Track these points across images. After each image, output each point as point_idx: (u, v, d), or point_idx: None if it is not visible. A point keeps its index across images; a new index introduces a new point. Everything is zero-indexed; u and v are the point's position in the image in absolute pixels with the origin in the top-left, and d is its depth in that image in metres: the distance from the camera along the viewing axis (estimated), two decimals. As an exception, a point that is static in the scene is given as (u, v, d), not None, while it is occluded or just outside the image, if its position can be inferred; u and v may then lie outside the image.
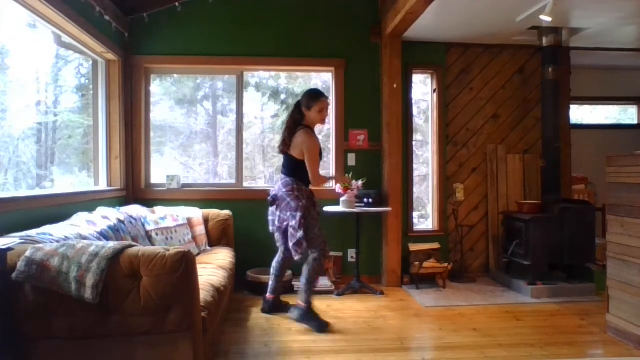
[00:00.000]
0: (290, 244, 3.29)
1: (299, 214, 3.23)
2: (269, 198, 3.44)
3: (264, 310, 3.63)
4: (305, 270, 3.33)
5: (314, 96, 3.37)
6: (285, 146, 3.38)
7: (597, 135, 5.87)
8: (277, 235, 3.51)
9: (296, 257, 3.32)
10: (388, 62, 4.44)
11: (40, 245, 2.09)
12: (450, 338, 3.10)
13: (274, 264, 3.66)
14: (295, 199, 3.27)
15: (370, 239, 4.58)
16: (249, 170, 4.93)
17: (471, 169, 4.85)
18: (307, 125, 3.39)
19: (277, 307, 3.61)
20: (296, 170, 3.36)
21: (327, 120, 3.51)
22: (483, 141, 4.86)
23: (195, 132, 5.08)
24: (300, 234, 3.22)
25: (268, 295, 3.64)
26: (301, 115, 3.39)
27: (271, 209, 3.47)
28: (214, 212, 4.16)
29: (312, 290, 3.33)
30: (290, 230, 3.27)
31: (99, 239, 2.61)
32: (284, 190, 3.32)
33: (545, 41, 4.33)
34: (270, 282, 3.65)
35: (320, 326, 3.24)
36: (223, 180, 4.88)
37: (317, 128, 3.56)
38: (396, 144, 4.43)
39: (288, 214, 3.29)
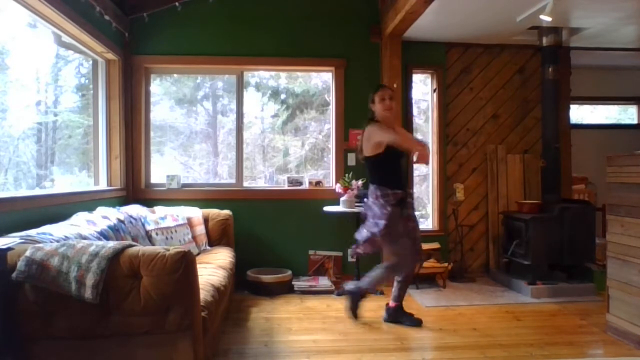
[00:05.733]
0: (360, 239, 3.28)
1: (383, 222, 3.12)
2: (362, 214, 3.41)
3: (385, 320, 3.42)
4: (375, 271, 3.33)
5: (375, 89, 3.37)
6: (360, 151, 3.32)
7: (597, 135, 5.87)
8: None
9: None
10: (388, 62, 4.44)
11: (40, 245, 2.09)
12: (450, 338, 3.10)
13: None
14: (381, 207, 3.16)
15: (370, 239, 4.57)
16: (249, 170, 4.93)
17: (471, 169, 4.85)
18: (378, 121, 3.32)
19: (398, 315, 3.39)
20: (375, 172, 3.27)
21: (389, 108, 3.29)
22: (483, 141, 4.86)
23: (195, 132, 5.08)
24: (375, 233, 3.16)
25: (390, 303, 3.43)
26: (371, 113, 3.37)
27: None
28: (214, 212, 4.16)
29: (369, 287, 3.36)
30: (367, 232, 3.23)
31: (99, 239, 2.61)
32: (370, 199, 3.26)
33: (545, 41, 4.33)
34: (393, 289, 3.43)
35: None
36: (223, 180, 4.88)
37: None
38: (396, 144, 4.42)
39: (372, 220, 3.19)
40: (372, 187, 3.27)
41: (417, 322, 3.33)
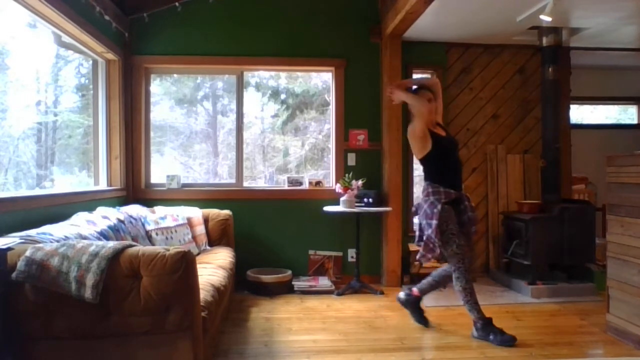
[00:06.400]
0: (421, 249, 3.13)
1: (434, 222, 3.01)
2: (413, 208, 3.34)
3: (399, 299, 3.40)
4: (456, 291, 3.11)
5: (413, 91, 3.30)
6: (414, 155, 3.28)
7: (597, 135, 5.87)
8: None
9: (423, 262, 3.21)
10: (388, 62, 4.44)
11: (40, 245, 2.09)
12: (450, 338, 3.10)
13: (439, 269, 3.36)
14: (430, 205, 3.06)
15: (370, 239, 4.57)
16: (249, 170, 4.93)
17: (471, 169, 4.85)
18: None
19: (412, 306, 3.35)
20: (429, 169, 3.19)
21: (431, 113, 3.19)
22: (483, 141, 4.86)
23: (195, 132, 5.08)
24: (435, 241, 3.02)
25: (414, 290, 3.36)
26: (412, 116, 3.30)
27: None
28: (214, 212, 4.16)
29: (474, 305, 3.06)
30: (421, 234, 3.15)
31: (99, 239, 2.61)
32: (422, 196, 3.17)
33: (545, 41, 4.33)
34: (425, 280, 3.37)
35: (504, 340, 2.95)
36: (223, 180, 4.88)
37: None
38: (396, 144, 4.43)
39: (424, 221, 3.09)
40: (424, 184, 3.18)
41: (423, 322, 3.31)
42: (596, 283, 4.08)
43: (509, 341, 2.94)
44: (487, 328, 3.03)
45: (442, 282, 3.35)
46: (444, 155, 3.16)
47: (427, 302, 3.85)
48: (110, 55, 4.08)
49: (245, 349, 2.89)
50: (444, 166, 3.15)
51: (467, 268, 3.07)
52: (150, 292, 2.01)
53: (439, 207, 3.02)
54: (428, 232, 3.06)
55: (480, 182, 4.86)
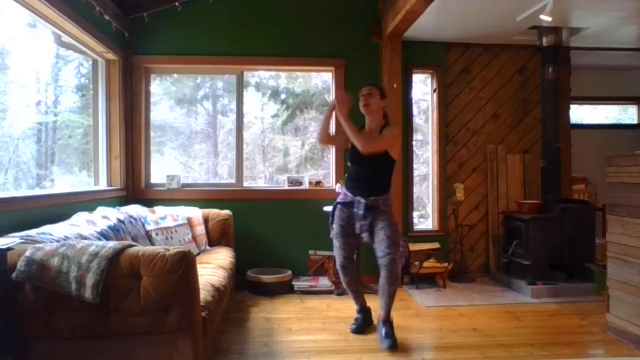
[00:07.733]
0: None
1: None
2: None
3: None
4: None
5: None
6: None
7: (597, 135, 5.87)
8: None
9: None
10: (388, 62, 4.44)
11: (40, 245, 2.09)
12: (450, 338, 3.10)
13: None
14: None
15: (370, 239, 4.57)
16: (249, 170, 4.93)
17: (471, 169, 4.85)
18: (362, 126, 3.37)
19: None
20: None
21: (364, 104, 3.31)
22: (483, 141, 4.86)
23: (195, 132, 5.08)
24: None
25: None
26: None
27: None
28: (214, 212, 4.16)
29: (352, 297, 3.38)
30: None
31: (99, 239, 2.61)
32: None
33: (545, 41, 4.33)
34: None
35: (353, 329, 3.22)
36: (223, 180, 4.88)
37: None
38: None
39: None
40: None
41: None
42: (596, 283, 4.08)
43: (353, 330, 3.20)
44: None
45: (382, 287, 3.19)
46: (350, 162, 3.30)
47: (427, 302, 3.86)
48: (110, 55, 4.08)
49: (245, 349, 2.89)
50: (350, 172, 3.32)
51: (344, 272, 3.22)
52: (150, 292, 2.02)
53: (334, 205, 3.30)
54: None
55: (480, 182, 4.86)
